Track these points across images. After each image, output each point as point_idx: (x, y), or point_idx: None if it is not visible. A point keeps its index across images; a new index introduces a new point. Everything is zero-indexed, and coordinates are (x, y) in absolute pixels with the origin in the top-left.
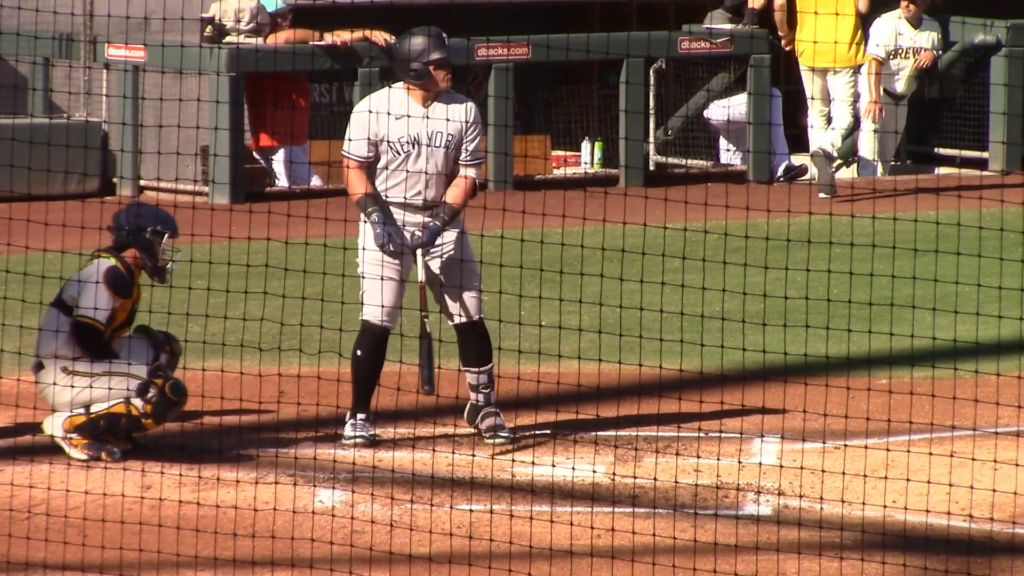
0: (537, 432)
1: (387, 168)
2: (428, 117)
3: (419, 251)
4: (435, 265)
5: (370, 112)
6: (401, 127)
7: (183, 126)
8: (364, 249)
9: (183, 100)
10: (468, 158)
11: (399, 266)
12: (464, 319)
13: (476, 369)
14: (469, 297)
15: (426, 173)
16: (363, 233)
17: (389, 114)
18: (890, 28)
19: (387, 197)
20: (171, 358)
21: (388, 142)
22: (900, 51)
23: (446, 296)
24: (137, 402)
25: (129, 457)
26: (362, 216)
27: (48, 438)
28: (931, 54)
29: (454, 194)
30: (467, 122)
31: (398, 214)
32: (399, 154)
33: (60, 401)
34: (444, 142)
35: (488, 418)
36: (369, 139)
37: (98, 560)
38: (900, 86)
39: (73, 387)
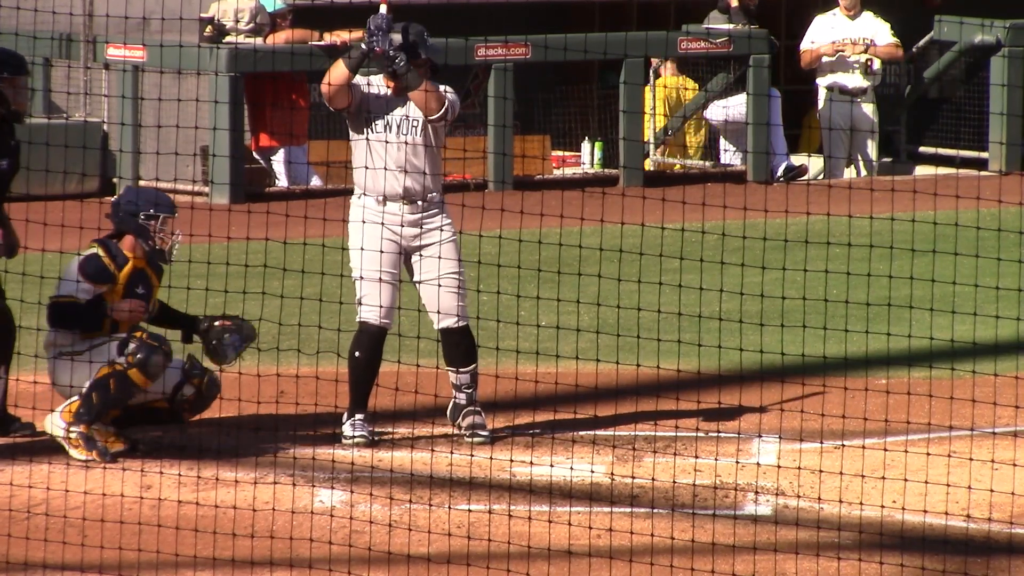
0: (535, 432)
1: (366, 144)
2: (402, 107)
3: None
4: (424, 266)
5: (368, 85)
6: (379, 106)
7: (183, 126)
8: (358, 250)
9: (183, 100)
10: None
11: (392, 266)
12: (450, 324)
13: (460, 369)
14: (456, 302)
15: (402, 164)
16: (354, 233)
17: (370, 85)
18: (824, 24)
19: (376, 194)
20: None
21: (368, 109)
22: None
23: (433, 298)
24: (119, 359)
25: (128, 457)
26: (352, 214)
27: (49, 438)
28: (881, 49)
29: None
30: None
31: (377, 212)
32: (373, 130)
33: (62, 386)
34: (410, 128)
35: (469, 416)
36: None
37: (97, 560)
38: (850, 82)
39: (73, 366)
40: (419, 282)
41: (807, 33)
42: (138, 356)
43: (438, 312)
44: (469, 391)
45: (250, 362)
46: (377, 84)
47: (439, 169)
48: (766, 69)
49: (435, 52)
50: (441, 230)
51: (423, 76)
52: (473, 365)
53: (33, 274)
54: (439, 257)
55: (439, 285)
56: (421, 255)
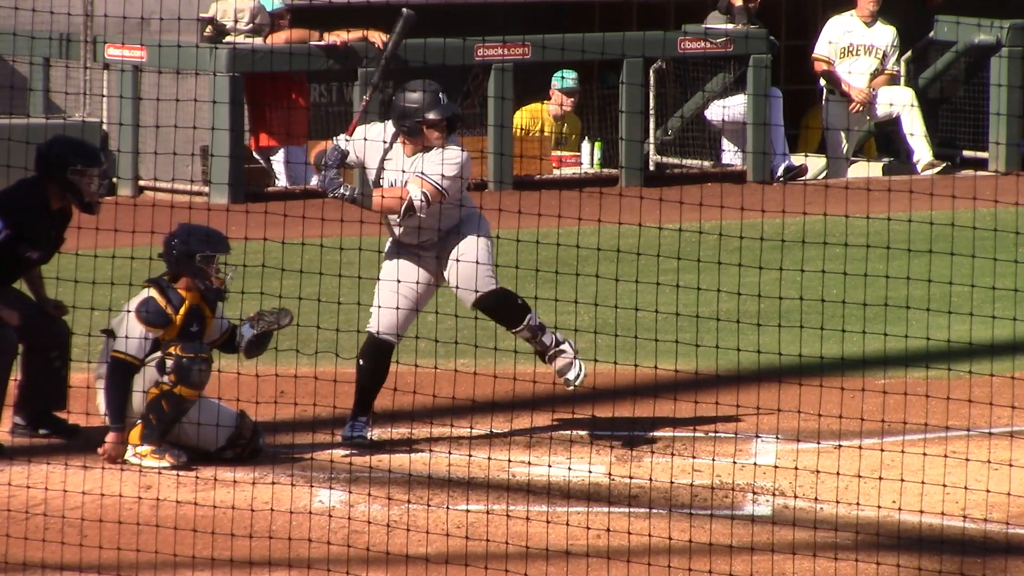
0: (534, 432)
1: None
2: (409, 166)
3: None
4: (449, 266)
5: (365, 140)
6: (385, 163)
7: (182, 126)
8: (386, 260)
9: (182, 100)
10: (416, 173)
11: (410, 292)
12: (473, 299)
13: (515, 329)
14: (474, 274)
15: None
16: (386, 251)
17: (366, 139)
18: (840, 26)
19: (393, 238)
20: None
21: (372, 166)
22: (851, 49)
23: (458, 278)
24: (164, 379)
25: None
26: (387, 230)
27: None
28: (879, 81)
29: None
30: (441, 161)
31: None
32: (381, 184)
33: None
34: None
35: (554, 359)
36: (353, 153)
37: (96, 560)
38: (858, 84)
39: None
40: (448, 281)
41: (822, 33)
42: (180, 375)
43: (457, 287)
44: (542, 340)
45: (249, 362)
46: (383, 139)
47: (454, 209)
48: (766, 69)
49: (450, 109)
50: (462, 228)
51: (439, 140)
52: (526, 319)
53: None
54: (474, 233)
55: (457, 261)
56: (449, 256)
